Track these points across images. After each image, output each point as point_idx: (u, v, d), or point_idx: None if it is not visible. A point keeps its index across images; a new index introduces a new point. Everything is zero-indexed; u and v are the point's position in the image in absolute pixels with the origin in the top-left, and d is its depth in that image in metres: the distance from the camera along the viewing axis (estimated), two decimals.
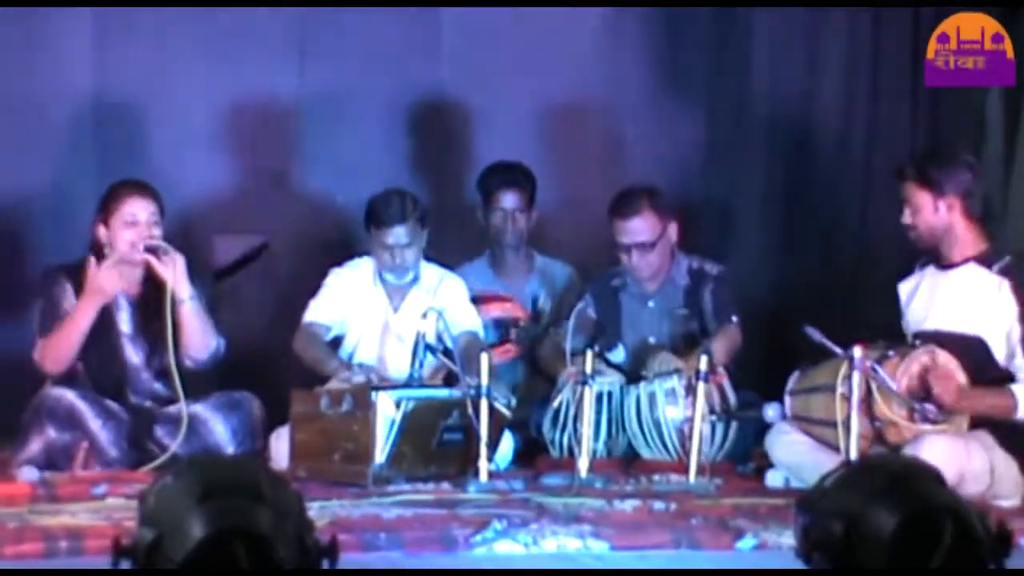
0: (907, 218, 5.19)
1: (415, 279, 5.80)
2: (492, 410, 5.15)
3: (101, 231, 5.49)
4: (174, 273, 5.40)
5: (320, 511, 4.45)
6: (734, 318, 5.78)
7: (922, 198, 5.15)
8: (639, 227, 5.84)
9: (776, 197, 6.99)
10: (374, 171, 6.40)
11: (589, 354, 5.31)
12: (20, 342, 5.66)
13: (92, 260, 5.39)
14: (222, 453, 5.36)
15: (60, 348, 5.40)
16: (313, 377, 5.62)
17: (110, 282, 5.39)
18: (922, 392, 4.94)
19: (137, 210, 5.46)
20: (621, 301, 6.00)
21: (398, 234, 5.67)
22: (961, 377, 4.94)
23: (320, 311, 5.76)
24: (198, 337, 5.48)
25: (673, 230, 5.92)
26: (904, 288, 5.33)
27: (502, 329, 6.17)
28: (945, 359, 4.97)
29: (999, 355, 5.02)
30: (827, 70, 6.97)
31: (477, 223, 6.36)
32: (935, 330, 5.12)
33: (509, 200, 6.26)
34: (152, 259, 5.43)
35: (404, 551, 4.12)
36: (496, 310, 6.16)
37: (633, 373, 5.76)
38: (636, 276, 5.91)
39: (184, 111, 6.49)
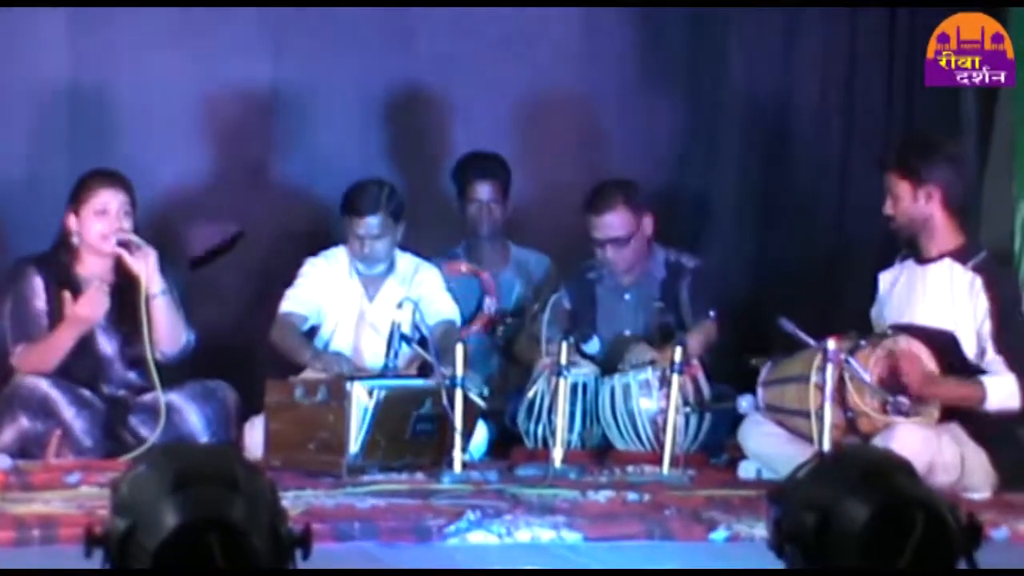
0: (888, 208, 5.21)
1: (391, 269, 5.80)
2: (466, 400, 5.16)
3: (72, 221, 5.48)
4: (146, 268, 5.40)
5: (294, 501, 4.46)
6: (712, 313, 5.80)
7: (902, 187, 5.17)
8: (613, 223, 5.85)
9: (752, 190, 7.00)
10: (350, 162, 6.39)
11: (564, 345, 5.32)
12: None
13: (67, 295, 5.37)
14: (196, 442, 5.35)
15: (40, 364, 5.39)
16: (288, 366, 5.61)
17: (94, 310, 5.38)
18: (894, 382, 4.96)
19: (107, 200, 5.45)
20: (597, 294, 6.01)
21: (369, 224, 5.67)
22: (930, 364, 4.96)
23: (296, 301, 5.76)
24: (169, 332, 5.47)
25: (648, 224, 5.93)
26: (884, 279, 5.35)
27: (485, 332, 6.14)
28: (914, 346, 4.99)
29: (969, 350, 5.05)
30: (803, 64, 6.97)
31: (453, 214, 6.36)
32: (909, 323, 5.14)
33: (485, 191, 6.26)
34: (124, 253, 5.42)
35: (378, 541, 4.13)
36: (455, 271, 6.12)
37: (608, 365, 5.76)
38: (611, 270, 5.92)
39: (159, 101, 6.46)
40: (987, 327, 5.02)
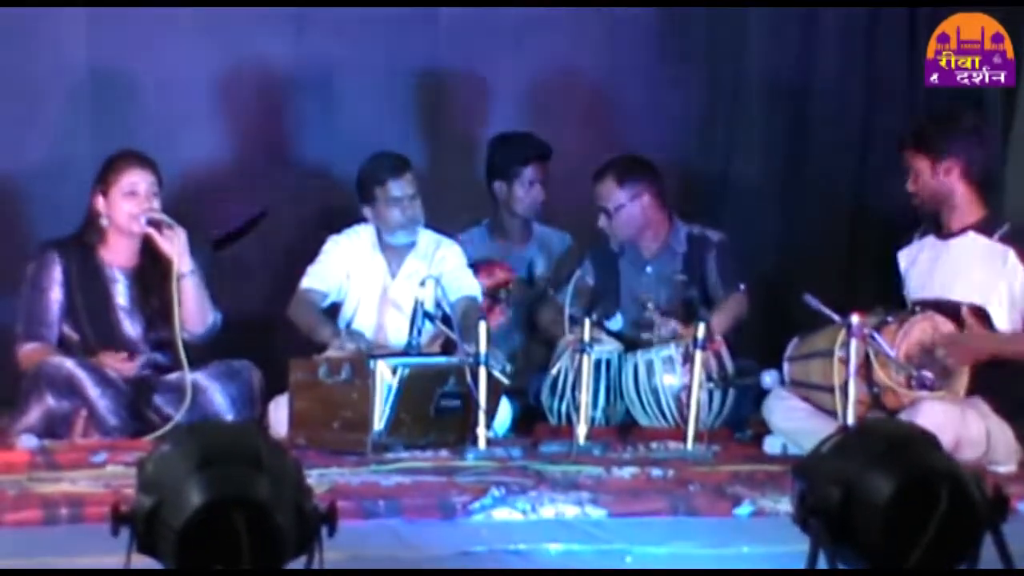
0: (910, 185, 5.21)
1: (412, 245, 5.80)
2: (490, 377, 5.16)
3: (99, 202, 5.49)
4: (176, 247, 5.41)
5: (319, 479, 4.46)
6: (741, 286, 5.82)
7: (921, 163, 5.17)
8: (600, 192, 5.92)
9: (775, 166, 6.99)
10: (371, 140, 6.38)
11: (587, 322, 5.32)
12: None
13: (109, 356, 5.42)
14: (221, 421, 5.37)
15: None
16: (312, 346, 5.62)
17: (124, 372, 5.42)
18: (921, 358, 4.95)
19: (137, 181, 5.46)
20: (619, 267, 6.02)
21: (404, 184, 5.69)
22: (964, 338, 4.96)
23: (317, 277, 5.77)
24: (197, 311, 5.49)
25: (645, 202, 5.90)
26: (904, 256, 5.33)
27: (488, 298, 6.13)
28: (945, 326, 4.98)
29: (1001, 324, 5.03)
30: (824, 41, 6.96)
31: (474, 191, 6.35)
32: (936, 298, 5.13)
33: (537, 172, 6.26)
34: (154, 233, 5.44)
35: (403, 518, 4.13)
36: (483, 278, 6.11)
37: (631, 340, 5.76)
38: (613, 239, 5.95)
39: (181, 82, 6.47)
40: None
